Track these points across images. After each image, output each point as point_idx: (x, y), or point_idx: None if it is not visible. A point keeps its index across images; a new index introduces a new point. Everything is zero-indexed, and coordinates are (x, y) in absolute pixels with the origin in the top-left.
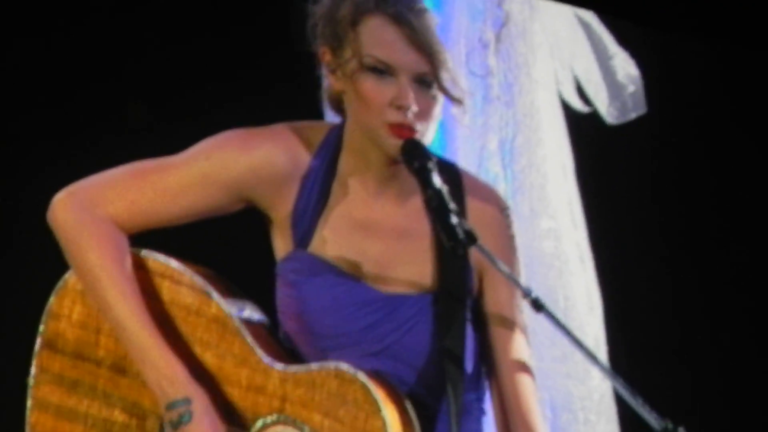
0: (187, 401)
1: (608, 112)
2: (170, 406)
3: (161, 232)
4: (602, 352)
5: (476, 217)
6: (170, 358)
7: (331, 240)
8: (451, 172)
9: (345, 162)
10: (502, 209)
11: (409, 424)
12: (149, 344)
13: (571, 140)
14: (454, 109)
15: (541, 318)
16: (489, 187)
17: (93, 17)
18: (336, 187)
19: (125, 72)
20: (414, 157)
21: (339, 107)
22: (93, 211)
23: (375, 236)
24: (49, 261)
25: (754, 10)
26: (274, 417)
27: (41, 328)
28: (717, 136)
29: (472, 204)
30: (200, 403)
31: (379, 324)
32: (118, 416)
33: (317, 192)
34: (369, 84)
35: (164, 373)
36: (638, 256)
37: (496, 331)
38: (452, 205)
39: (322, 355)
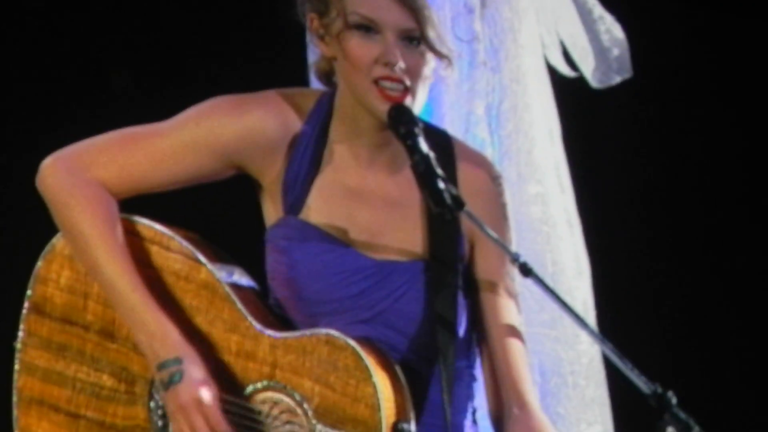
0: (178, 361)
1: (593, 76)
2: (161, 366)
3: (150, 198)
4: (591, 317)
5: (468, 185)
6: (161, 319)
7: (322, 207)
8: (442, 139)
9: (336, 129)
10: (493, 177)
11: (400, 391)
12: (140, 305)
13: (558, 105)
14: (443, 70)
15: (529, 283)
16: (481, 155)
17: None
18: (327, 154)
19: (107, 40)
20: (400, 122)
21: (328, 79)
22: (83, 175)
23: (366, 204)
24: (36, 226)
25: None
26: (265, 383)
27: (29, 292)
28: (702, 99)
29: (464, 172)
30: (191, 363)
31: (370, 291)
32: (107, 381)
33: (308, 159)
34: (355, 42)
35: (155, 333)
36: (626, 219)
37: (486, 298)
38: (439, 171)
39: (313, 322)
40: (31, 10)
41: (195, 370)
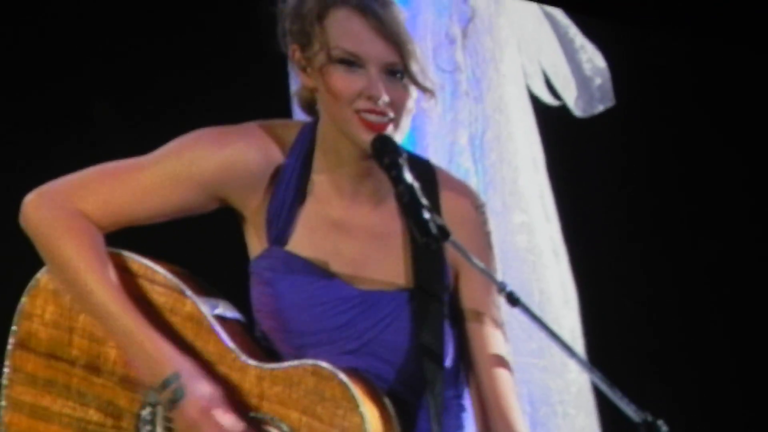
0: (176, 376)
1: (576, 105)
2: (162, 386)
3: (135, 232)
4: (579, 345)
5: (451, 213)
6: (154, 338)
7: (307, 238)
8: (424, 168)
9: (318, 160)
10: (477, 206)
11: (389, 421)
12: (132, 327)
13: (541, 134)
14: (425, 102)
15: (517, 312)
16: (464, 184)
17: (55, 15)
18: (311, 186)
19: (90, 72)
20: (384, 153)
21: (311, 108)
22: (66, 208)
23: (350, 236)
24: (20, 261)
25: (718, 2)
26: (252, 415)
27: (14, 328)
28: (684, 127)
29: (447, 201)
30: (189, 375)
31: (355, 321)
32: (93, 415)
33: (292, 190)
34: (338, 76)
35: (150, 353)
36: (611, 247)
37: (472, 328)
38: (424, 201)
39: (299, 353)
40: (9, 42)
41: (194, 381)
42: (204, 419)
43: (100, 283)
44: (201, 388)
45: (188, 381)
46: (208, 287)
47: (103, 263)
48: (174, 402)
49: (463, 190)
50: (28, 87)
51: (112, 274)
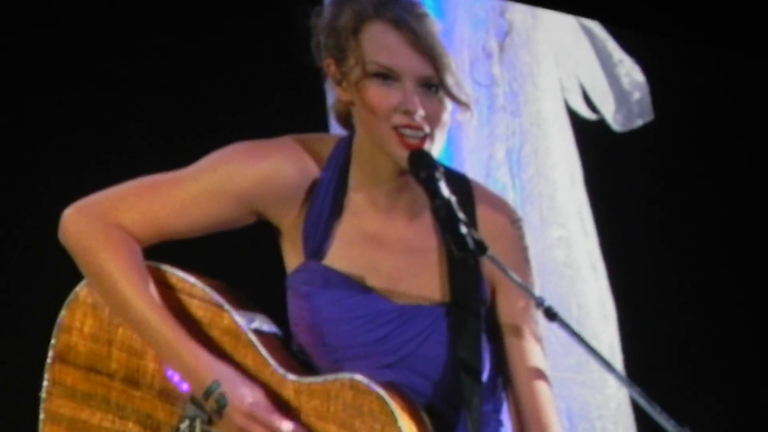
0: (217, 384)
1: (614, 120)
2: (205, 395)
3: (173, 245)
4: (618, 360)
5: (488, 228)
6: (192, 348)
7: (343, 253)
8: (461, 183)
9: (354, 174)
10: (513, 220)
11: None
12: (171, 338)
13: (579, 148)
14: (461, 115)
15: (555, 327)
16: (500, 198)
17: (93, 31)
18: (347, 200)
19: (125, 86)
20: (421, 167)
21: (347, 122)
22: (105, 221)
23: (386, 250)
24: (59, 275)
25: (757, 17)
26: None
27: (53, 341)
28: (723, 141)
29: (484, 215)
30: (229, 381)
31: (392, 335)
32: (132, 429)
33: (329, 205)
34: (374, 90)
35: (189, 364)
36: (650, 262)
37: (510, 342)
38: (461, 215)
39: (336, 367)
40: (45, 59)
41: (235, 386)
42: (251, 423)
43: (138, 295)
44: (243, 393)
45: (229, 387)
46: (245, 301)
47: (141, 275)
48: (219, 410)
49: (499, 204)
50: (64, 102)
51: (150, 286)
